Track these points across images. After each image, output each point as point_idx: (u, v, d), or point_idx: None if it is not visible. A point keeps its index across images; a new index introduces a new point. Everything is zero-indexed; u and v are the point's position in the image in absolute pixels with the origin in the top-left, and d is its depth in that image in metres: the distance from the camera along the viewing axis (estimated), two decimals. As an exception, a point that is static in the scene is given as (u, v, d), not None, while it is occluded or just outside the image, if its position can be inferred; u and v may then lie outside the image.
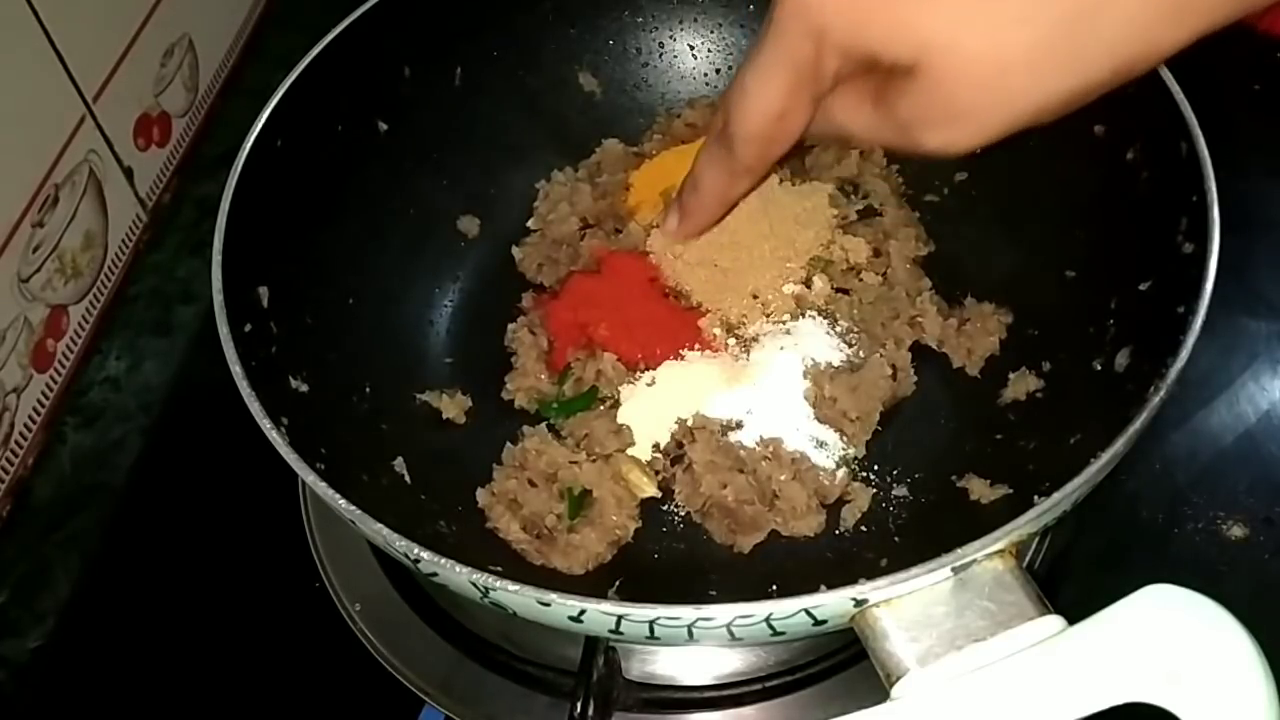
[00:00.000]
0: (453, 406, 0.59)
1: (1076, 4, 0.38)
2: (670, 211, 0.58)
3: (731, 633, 0.40)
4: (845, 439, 0.57)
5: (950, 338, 0.59)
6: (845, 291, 0.61)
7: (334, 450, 0.49)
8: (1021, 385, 0.56)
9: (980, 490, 0.52)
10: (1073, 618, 0.38)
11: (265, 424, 0.46)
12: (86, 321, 0.74)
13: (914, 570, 0.39)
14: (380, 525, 0.43)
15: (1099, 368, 0.51)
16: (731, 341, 0.60)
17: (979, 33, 0.38)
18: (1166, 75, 0.50)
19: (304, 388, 0.53)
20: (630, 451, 0.57)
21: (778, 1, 0.42)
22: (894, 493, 0.56)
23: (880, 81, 0.43)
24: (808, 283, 0.61)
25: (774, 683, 0.55)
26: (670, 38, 0.69)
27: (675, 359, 0.59)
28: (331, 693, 0.60)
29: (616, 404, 0.59)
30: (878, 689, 0.39)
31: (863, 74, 0.43)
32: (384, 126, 0.62)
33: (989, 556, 0.40)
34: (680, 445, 0.57)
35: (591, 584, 0.52)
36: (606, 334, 0.60)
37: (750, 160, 0.48)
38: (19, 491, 0.69)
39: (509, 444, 0.57)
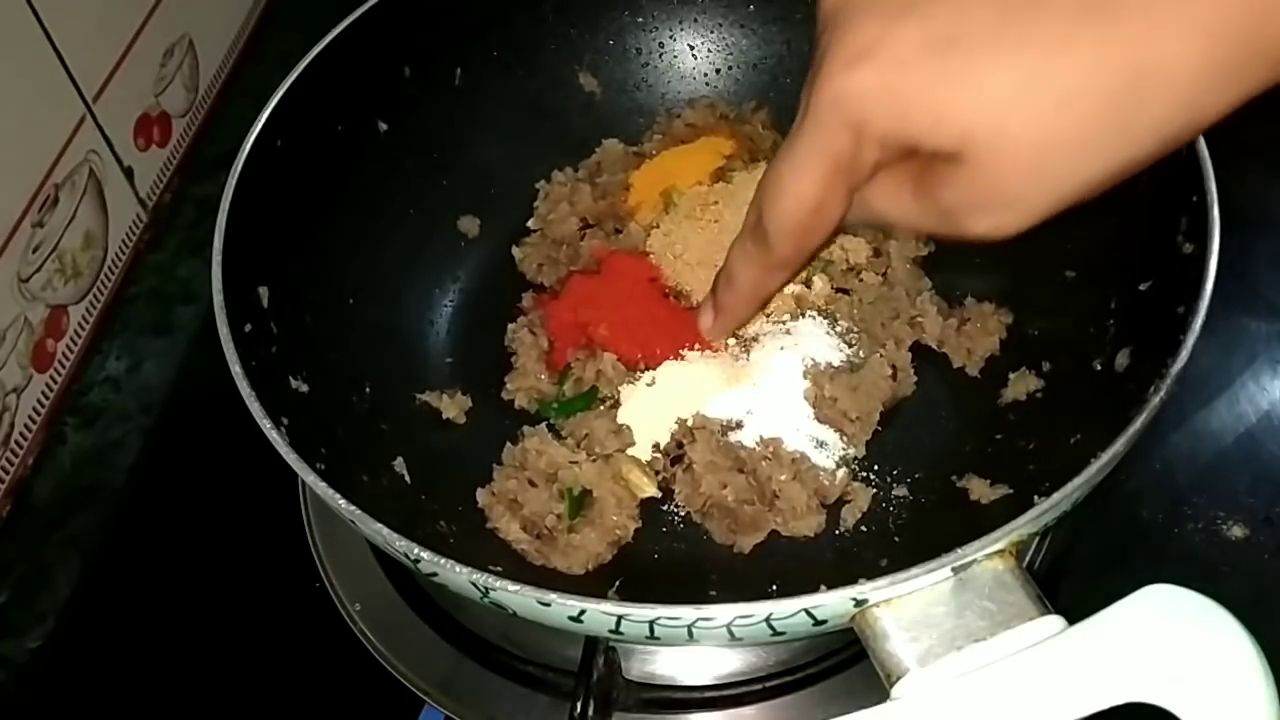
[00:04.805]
0: (453, 406, 0.59)
1: (1120, 82, 0.35)
2: (704, 308, 0.55)
3: (731, 633, 0.40)
4: (845, 439, 0.57)
5: (950, 338, 0.59)
6: (845, 291, 0.61)
7: (334, 450, 0.49)
8: (1021, 385, 0.56)
9: (980, 490, 0.52)
10: (1073, 618, 0.38)
11: (265, 424, 0.46)
12: (86, 321, 0.74)
13: (914, 570, 0.39)
14: (380, 525, 0.43)
15: (1099, 368, 0.51)
16: (731, 341, 0.60)
17: (1023, 117, 0.36)
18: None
19: (304, 388, 0.53)
20: (630, 451, 0.57)
21: (813, 90, 0.39)
22: (894, 493, 0.56)
23: (920, 167, 0.40)
24: (808, 283, 0.61)
25: (774, 683, 0.55)
26: (670, 38, 0.69)
27: (675, 359, 0.59)
28: (331, 693, 0.60)
29: (616, 404, 0.59)
30: (878, 689, 0.39)
31: (900, 160, 0.41)
32: (384, 126, 0.62)
33: (989, 556, 0.40)
34: (680, 445, 0.57)
35: (591, 584, 0.52)
36: (606, 334, 0.60)
37: (786, 253, 0.45)
38: (19, 491, 0.69)
39: (509, 444, 0.57)
